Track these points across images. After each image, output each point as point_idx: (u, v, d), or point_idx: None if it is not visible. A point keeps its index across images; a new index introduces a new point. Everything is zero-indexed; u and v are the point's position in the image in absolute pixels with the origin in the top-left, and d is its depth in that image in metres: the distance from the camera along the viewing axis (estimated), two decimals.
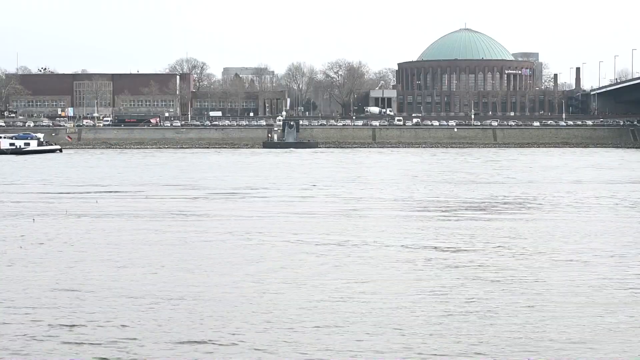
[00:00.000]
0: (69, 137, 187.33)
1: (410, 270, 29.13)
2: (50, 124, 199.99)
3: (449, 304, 23.72)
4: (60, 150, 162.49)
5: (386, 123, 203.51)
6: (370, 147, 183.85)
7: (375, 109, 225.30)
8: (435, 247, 34.47)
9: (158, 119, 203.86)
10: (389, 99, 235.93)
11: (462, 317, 22.17)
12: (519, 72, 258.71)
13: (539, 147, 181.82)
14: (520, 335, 20.39)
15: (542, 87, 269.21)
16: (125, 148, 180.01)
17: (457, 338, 20.20)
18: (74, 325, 21.52)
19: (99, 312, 22.89)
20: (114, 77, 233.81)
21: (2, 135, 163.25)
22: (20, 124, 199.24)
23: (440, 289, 25.89)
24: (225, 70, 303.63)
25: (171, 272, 29.01)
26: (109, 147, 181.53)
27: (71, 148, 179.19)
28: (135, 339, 20.27)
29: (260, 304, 23.86)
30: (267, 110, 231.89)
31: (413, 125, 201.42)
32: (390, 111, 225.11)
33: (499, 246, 34.73)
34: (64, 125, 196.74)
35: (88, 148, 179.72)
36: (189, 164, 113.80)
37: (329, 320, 21.96)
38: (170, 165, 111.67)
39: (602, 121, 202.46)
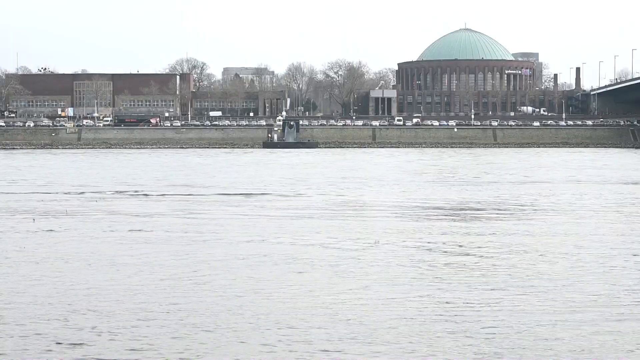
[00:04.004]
0: None
1: (411, 273, 29.15)
2: (50, 124, 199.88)
3: (452, 309, 23.74)
4: None
5: (386, 123, 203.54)
6: (370, 147, 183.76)
7: (528, 109, 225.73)
8: (437, 251, 34.48)
9: (158, 119, 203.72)
10: (389, 99, 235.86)
11: (463, 321, 22.19)
12: (519, 72, 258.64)
13: (539, 147, 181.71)
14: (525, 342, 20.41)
15: (542, 87, 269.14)
16: (125, 148, 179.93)
17: (458, 343, 20.21)
18: (75, 340, 20.80)
19: (105, 328, 22.73)
20: (114, 77, 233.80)
21: None
22: (20, 124, 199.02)
23: (443, 294, 25.91)
24: (225, 70, 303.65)
25: (177, 280, 28.95)
26: (109, 147, 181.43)
27: (71, 148, 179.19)
28: (139, 349, 20.12)
29: (257, 308, 23.87)
30: (267, 110, 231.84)
31: (413, 125, 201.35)
32: (543, 111, 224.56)
33: (498, 249, 34.75)
34: (64, 125, 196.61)
35: (88, 148, 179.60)
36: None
37: (331, 325, 21.97)
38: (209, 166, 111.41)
39: (602, 121, 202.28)
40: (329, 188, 69.21)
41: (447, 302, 24.03)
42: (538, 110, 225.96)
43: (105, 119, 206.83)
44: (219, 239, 37.46)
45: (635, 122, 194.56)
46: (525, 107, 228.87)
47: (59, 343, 19.98)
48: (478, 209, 51.20)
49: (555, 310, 23.08)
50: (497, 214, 48.64)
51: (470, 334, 20.55)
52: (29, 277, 28.36)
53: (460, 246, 34.96)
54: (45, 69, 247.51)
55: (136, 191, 66.38)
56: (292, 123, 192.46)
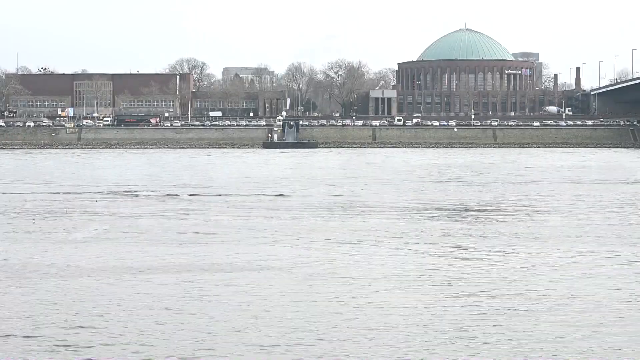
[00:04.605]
0: None
1: (419, 277, 29.14)
2: (50, 124, 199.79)
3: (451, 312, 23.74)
4: None
5: (386, 123, 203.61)
6: (370, 147, 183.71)
7: (553, 109, 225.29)
8: (442, 254, 34.48)
9: (158, 119, 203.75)
10: (389, 99, 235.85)
11: (472, 325, 22.19)
12: (519, 72, 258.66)
13: (539, 147, 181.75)
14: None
15: (542, 87, 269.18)
16: (125, 148, 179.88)
17: (468, 347, 20.21)
18: (77, 342, 20.65)
19: (108, 330, 22.65)
20: (114, 77, 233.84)
21: None
22: (20, 124, 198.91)
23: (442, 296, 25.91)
24: (225, 70, 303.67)
25: (179, 280, 28.92)
26: (109, 147, 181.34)
27: (71, 148, 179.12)
28: (140, 352, 20.01)
29: (253, 311, 23.85)
30: (267, 110, 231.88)
31: (413, 125, 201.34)
32: (569, 110, 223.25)
33: (503, 252, 34.76)
34: (64, 125, 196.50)
35: (88, 148, 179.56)
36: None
37: (328, 328, 21.95)
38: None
39: (602, 121, 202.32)
40: (329, 188, 69.17)
41: (455, 306, 24.02)
42: (563, 110, 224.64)
43: (105, 119, 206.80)
44: (220, 240, 37.40)
45: (635, 122, 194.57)
46: (550, 107, 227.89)
47: (61, 345, 19.95)
48: (478, 210, 51.17)
49: (560, 312, 23.09)
50: (498, 214, 48.62)
51: (483, 337, 20.54)
52: (30, 277, 28.32)
53: (465, 249, 34.93)
54: (45, 69, 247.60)
55: (136, 191, 66.33)
56: (292, 123, 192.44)
